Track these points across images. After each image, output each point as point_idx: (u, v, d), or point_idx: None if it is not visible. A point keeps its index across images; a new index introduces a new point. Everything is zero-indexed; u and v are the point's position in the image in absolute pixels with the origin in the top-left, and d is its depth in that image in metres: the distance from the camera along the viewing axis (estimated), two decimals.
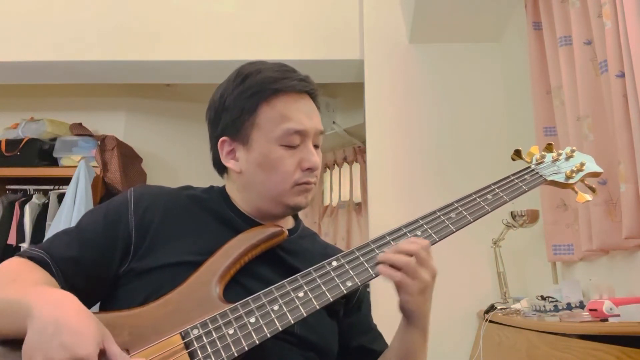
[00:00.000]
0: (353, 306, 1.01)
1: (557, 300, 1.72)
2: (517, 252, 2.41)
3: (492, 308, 2.09)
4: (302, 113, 0.93)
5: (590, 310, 1.34)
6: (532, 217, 2.16)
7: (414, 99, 2.74)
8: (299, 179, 0.92)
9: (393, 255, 0.83)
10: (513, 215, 2.18)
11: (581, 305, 1.62)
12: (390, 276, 0.82)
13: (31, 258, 0.84)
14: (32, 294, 0.73)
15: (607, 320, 1.27)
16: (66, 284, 0.84)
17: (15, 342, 0.72)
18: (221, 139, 0.96)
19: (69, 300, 0.73)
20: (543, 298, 1.81)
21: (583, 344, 1.25)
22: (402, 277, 0.82)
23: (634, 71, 1.44)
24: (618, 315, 1.24)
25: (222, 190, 1.00)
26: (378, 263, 0.84)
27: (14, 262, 0.84)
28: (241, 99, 0.93)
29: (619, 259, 1.69)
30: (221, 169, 1.00)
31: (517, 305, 2.00)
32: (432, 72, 2.77)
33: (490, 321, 2.02)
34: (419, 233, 0.88)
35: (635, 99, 1.44)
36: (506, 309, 2.02)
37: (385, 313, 1.07)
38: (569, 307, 1.63)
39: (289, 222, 1.02)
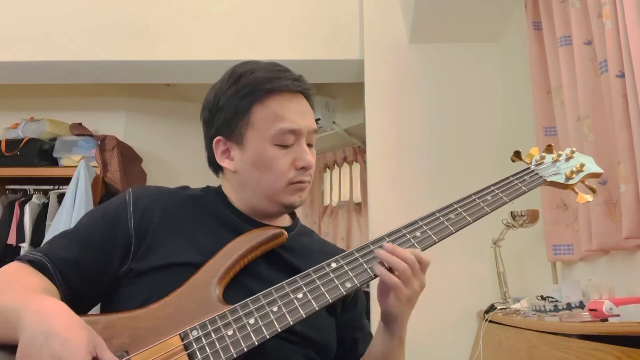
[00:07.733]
0: (350, 302, 1.02)
1: (557, 300, 1.72)
2: (517, 252, 2.41)
3: (492, 308, 2.08)
4: (295, 112, 0.94)
5: (590, 310, 1.33)
6: (532, 217, 2.16)
7: (413, 99, 2.74)
8: (292, 177, 0.93)
9: (392, 258, 0.83)
10: (513, 215, 2.18)
11: (581, 305, 1.62)
12: (388, 279, 0.82)
13: (30, 262, 0.84)
14: (24, 303, 0.73)
15: (607, 320, 1.26)
16: (66, 286, 0.84)
17: (12, 348, 0.71)
18: (216, 139, 0.96)
19: (60, 310, 0.72)
20: (543, 298, 1.81)
21: (583, 344, 1.25)
22: (397, 282, 0.82)
23: (634, 71, 1.44)
24: (618, 315, 1.24)
25: (218, 190, 1.01)
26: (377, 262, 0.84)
27: (12, 266, 0.84)
28: (235, 99, 0.94)
29: (619, 259, 1.68)
30: (216, 168, 1.01)
31: (517, 305, 2.00)
32: (432, 72, 2.77)
33: (490, 321, 2.02)
34: (418, 234, 0.88)
35: (635, 99, 1.44)
36: (506, 309, 2.02)
37: None
38: (569, 307, 1.63)
39: (285, 220, 1.02)
